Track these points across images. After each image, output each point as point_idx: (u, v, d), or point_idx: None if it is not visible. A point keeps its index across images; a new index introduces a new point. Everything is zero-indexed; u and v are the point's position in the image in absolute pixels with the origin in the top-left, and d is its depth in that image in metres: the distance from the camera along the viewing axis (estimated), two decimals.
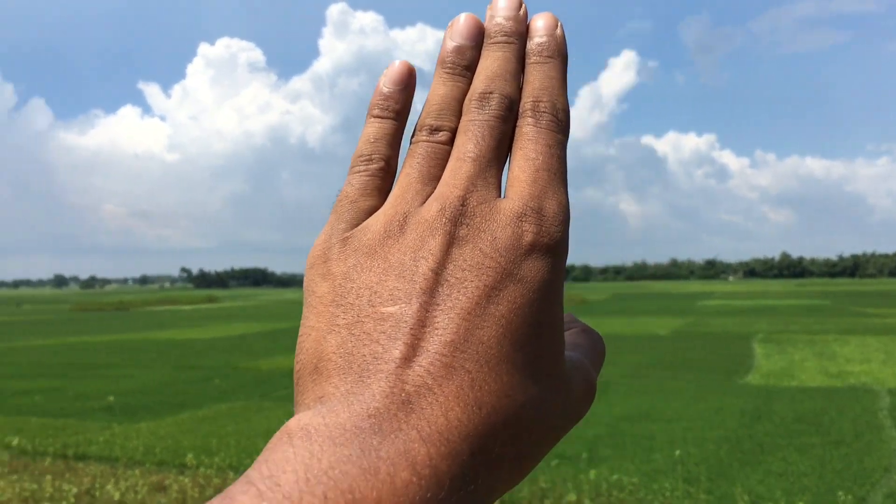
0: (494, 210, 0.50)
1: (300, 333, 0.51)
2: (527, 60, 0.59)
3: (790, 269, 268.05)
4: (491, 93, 0.56)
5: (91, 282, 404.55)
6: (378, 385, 0.43)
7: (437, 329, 0.45)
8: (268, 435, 18.39)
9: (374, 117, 0.63)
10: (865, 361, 31.09)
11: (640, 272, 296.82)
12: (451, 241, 0.48)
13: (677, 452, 15.90)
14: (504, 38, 0.59)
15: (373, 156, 0.61)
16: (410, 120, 0.67)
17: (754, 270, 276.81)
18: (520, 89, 0.58)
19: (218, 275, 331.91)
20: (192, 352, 42.91)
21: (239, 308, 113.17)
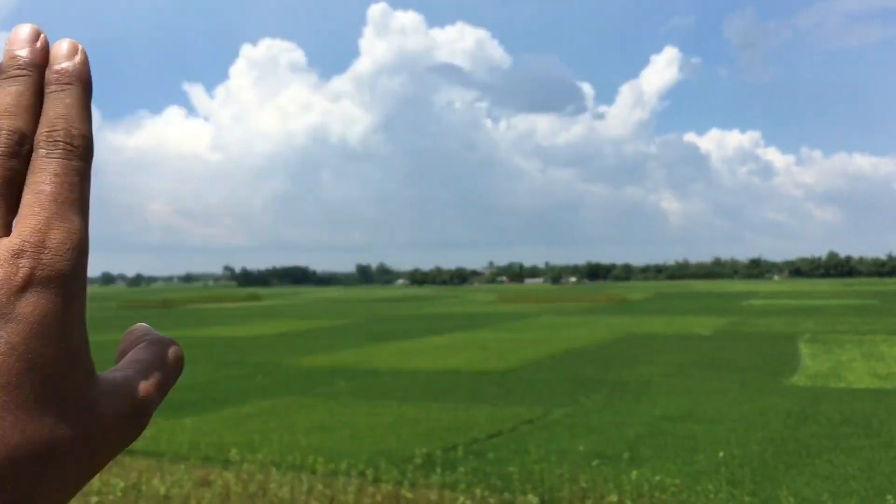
0: None
1: None
2: (45, 91, 0.56)
3: (837, 268, 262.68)
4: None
5: (137, 279, 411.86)
6: None
7: None
8: (310, 431, 18.57)
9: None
10: None
11: (681, 271, 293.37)
12: None
13: (721, 454, 15.75)
14: (18, 70, 0.56)
15: None
16: None
17: (800, 270, 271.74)
18: (36, 122, 0.56)
19: (260, 273, 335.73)
20: (235, 349, 43.61)
21: (281, 306, 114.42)
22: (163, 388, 0.64)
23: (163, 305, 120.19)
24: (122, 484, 13.02)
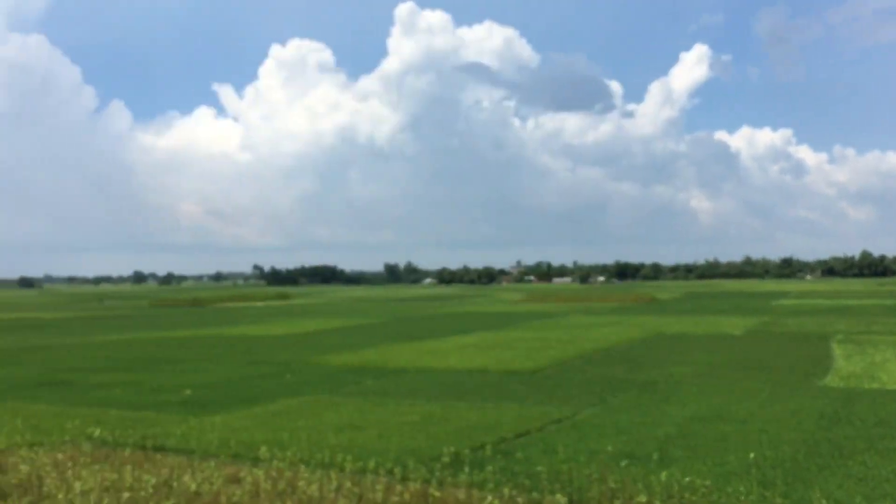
0: None
1: None
2: None
3: (871, 267, 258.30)
4: None
5: (168, 278, 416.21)
6: None
7: None
8: (338, 429, 18.63)
9: None
10: None
11: (711, 270, 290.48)
12: None
13: (752, 455, 15.57)
14: None
15: None
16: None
17: (833, 269, 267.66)
18: None
19: (289, 272, 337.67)
20: (264, 347, 44.07)
21: (309, 305, 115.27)
22: None
23: (193, 304, 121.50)
24: (153, 480, 13.16)
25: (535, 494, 12.63)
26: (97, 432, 18.71)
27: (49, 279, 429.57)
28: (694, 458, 15.33)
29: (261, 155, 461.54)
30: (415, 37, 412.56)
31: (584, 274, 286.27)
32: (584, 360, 33.67)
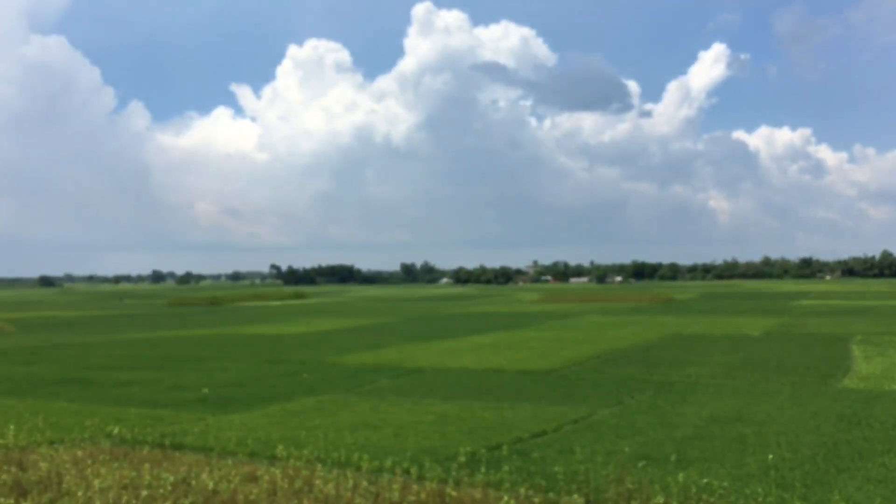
0: None
1: None
2: None
3: (891, 268, 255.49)
4: None
5: (186, 277, 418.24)
6: None
7: None
8: (355, 428, 18.68)
9: None
10: None
11: (730, 271, 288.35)
12: None
13: (770, 457, 15.48)
14: None
15: None
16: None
17: (853, 269, 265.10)
18: None
19: (305, 271, 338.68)
20: (281, 346, 44.24)
21: (326, 304, 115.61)
22: None
23: (210, 303, 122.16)
24: (171, 478, 13.24)
25: (551, 495, 12.61)
26: (116, 430, 18.87)
27: (69, 278, 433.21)
28: (712, 460, 15.26)
29: (278, 155, 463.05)
30: (431, 36, 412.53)
31: (601, 274, 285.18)
32: (600, 360, 33.57)
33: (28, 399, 24.95)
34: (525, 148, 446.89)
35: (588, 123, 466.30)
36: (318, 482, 12.92)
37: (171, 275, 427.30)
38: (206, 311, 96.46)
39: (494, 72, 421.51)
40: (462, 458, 14.87)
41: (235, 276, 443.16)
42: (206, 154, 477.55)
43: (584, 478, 13.32)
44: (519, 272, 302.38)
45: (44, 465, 14.19)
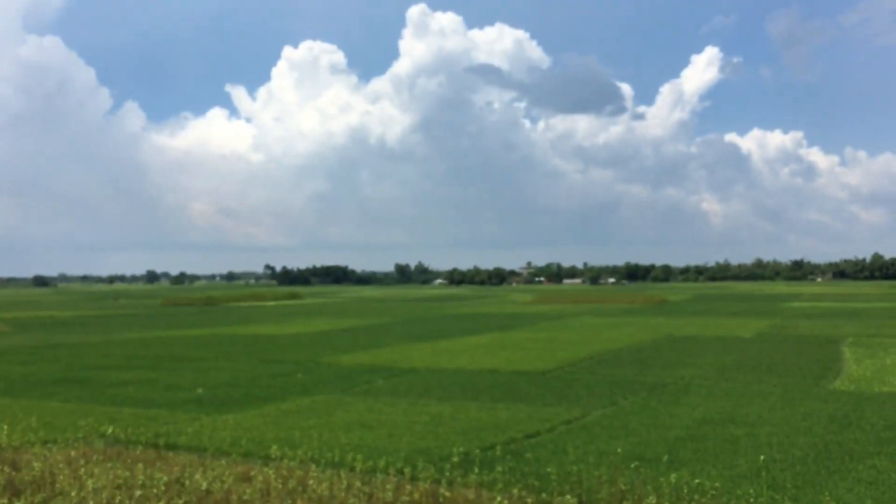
0: None
1: None
2: None
3: (882, 270, 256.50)
4: None
5: (181, 277, 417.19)
6: None
7: None
8: (349, 429, 18.72)
9: None
10: None
11: (722, 272, 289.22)
12: None
13: (762, 458, 15.55)
14: None
15: None
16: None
17: (844, 272, 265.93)
18: None
19: (300, 272, 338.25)
20: (276, 346, 44.20)
21: (320, 305, 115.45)
22: None
23: (205, 303, 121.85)
24: (165, 478, 13.27)
25: (544, 495, 12.68)
26: (110, 430, 18.87)
27: (63, 278, 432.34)
28: (704, 461, 15.35)
29: (273, 155, 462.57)
30: (426, 38, 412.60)
31: (594, 275, 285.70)
32: (594, 361, 33.66)
33: (22, 399, 24.92)
34: (519, 150, 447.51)
35: (582, 126, 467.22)
36: (311, 482, 12.96)
37: (166, 275, 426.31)
38: (201, 311, 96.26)
39: (489, 74, 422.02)
40: (456, 459, 14.92)
41: (230, 277, 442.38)
42: (201, 155, 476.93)
43: (576, 478, 13.39)
44: (513, 273, 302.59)
45: (37, 465, 14.20)
